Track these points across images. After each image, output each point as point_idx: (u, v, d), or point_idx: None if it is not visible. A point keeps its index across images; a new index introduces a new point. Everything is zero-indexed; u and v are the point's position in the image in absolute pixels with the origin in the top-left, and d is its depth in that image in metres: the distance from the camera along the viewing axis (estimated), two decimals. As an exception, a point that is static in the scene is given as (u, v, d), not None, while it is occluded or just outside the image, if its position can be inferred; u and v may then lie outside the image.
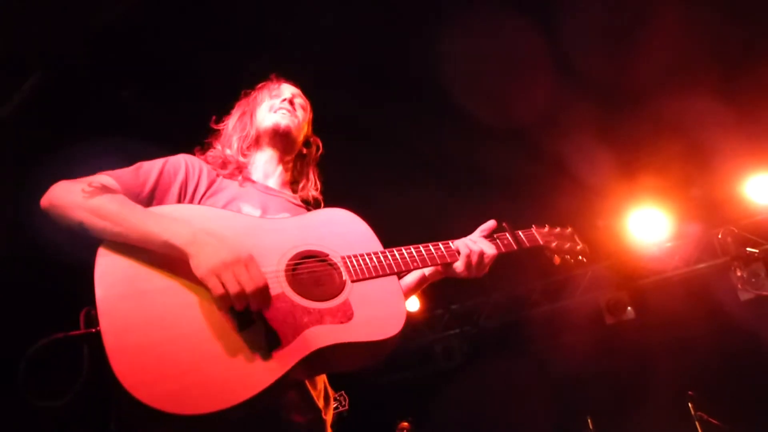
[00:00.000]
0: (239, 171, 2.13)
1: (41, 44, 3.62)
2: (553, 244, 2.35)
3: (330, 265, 1.82)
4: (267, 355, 1.57)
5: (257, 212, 1.99)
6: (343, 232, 1.95)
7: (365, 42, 3.93)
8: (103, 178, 1.79)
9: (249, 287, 1.54)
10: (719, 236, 6.51)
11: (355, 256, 1.86)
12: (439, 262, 2.06)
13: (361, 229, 2.01)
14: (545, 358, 7.05)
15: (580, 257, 2.39)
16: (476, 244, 2.12)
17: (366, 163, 5.12)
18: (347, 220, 2.02)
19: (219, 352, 1.54)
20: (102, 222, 1.63)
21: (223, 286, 1.52)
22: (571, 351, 6.80)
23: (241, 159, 2.17)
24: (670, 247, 6.93)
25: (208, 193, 2.00)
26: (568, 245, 2.38)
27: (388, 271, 1.88)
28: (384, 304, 1.81)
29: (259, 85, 2.36)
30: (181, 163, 2.02)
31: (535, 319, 7.58)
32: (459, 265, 2.08)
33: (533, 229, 2.37)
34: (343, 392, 4.45)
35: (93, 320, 1.51)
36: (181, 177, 1.97)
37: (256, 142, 2.23)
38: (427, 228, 6.47)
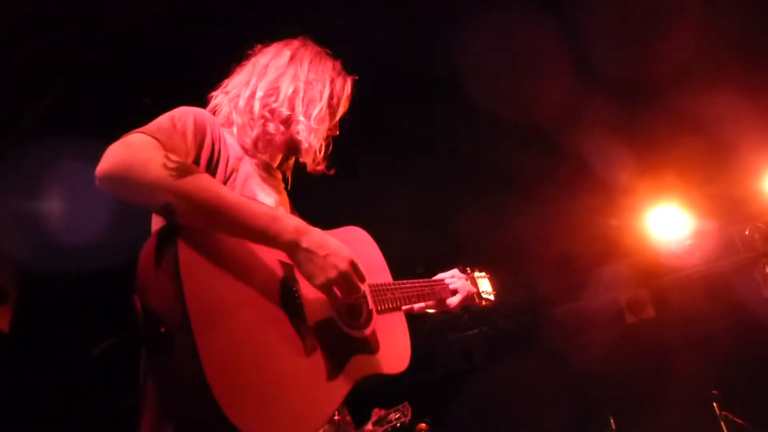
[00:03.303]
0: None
1: (65, 52, 3.68)
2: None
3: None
4: (329, 381, 1.55)
5: (269, 199, 1.83)
6: (364, 257, 1.88)
7: (383, 41, 3.95)
8: (162, 153, 1.48)
9: (356, 293, 1.60)
10: (746, 233, 6.42)
11: (377, 286, 1.87)
12: (437, 297, 2.18)
13: (377, 254, 2.03)
14: (565, 358, 7.01)
15: (483, 302, 2.51)
16: (466, 282, 2.28)
17: (383, 162, 5.14)
18: (366, 243, 2.01)
19: (297, 377, 1.47)
20: (197, 210, 1.42)
21: (338, 293, 1.56)
22: (591, 350, 6.75)
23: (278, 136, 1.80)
24: (690, 245, 6.85)
25: (226, 174, 1.73)
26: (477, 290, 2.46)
27: (400, 305, 1.95)
28: (398, 338, 1.88)
29: (335, 63, 1.95)
30: (207, 136, 1.69)
31: (554, 319, 7.53)
32: (453, 300, 2.23)
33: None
34: (406, 403, 4.53)
35: (154, 317, 1.31)
36: (206, 152, 1.68)
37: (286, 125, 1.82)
38: (444, 227, 6.50)
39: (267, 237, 1.48)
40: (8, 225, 4.42)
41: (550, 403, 6.69)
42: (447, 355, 8.28)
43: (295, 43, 1.93)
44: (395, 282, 1.97)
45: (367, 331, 1.74)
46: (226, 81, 1.91)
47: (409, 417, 4.45)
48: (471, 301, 2.25)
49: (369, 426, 4.42)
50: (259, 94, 1.79)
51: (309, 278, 1.53)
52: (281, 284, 1.54)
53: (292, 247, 1.51)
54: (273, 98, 1.80)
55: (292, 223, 1.53)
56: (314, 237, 1.54)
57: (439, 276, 2.30)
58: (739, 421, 4.95)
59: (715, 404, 5.02)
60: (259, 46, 1.94)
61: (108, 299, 5.30)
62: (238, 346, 1.36)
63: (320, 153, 1.87)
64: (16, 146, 3.97)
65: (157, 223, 1.64)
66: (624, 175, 5.71)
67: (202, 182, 1.46)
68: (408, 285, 2.03)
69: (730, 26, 4.36)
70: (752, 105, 4.89)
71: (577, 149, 5.12)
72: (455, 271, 2.31)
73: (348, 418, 4.13)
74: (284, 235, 1.50)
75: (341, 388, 1.57)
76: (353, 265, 1.57)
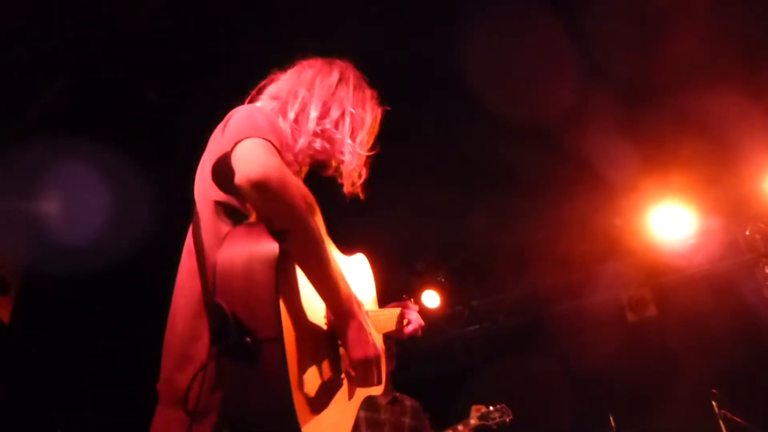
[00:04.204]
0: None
1: (68, 47, 3.68)
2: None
3: None
4: (349, 401, 1.74)
5: None
6: (364, 285, 2.06)
7: (387, 41, 3.94)
8: (297, 181, 1.60)
9: (378, 384, 1.70)
10: (747, 233, 6.40)
11: (370, 313, 1.98)
12: (401, 325, 2.28)
13: (371, 282, 2.16)
14: (566, 356, 7.01)
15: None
16: (418, 315, 2.34)
17: (385, 160, 5.13)
18: (366, 271, 2.14)
19: (334, 397, 1.62)
20: (303, 246, 1.52)
21: (366, 377, 1.66)
22: (592, 349, 6.75)
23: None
24: (693, 244, 6.84)
25: None
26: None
27: (383, 331, 2.14)
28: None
29: (372, 92, 2.01)
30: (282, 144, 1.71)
31: (555, 317, 7.53)
32: (408, 329, 2.29)
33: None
34: (504, 405, 4.75)
35: (242, 326, 1.37)
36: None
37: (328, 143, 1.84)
38: (447, 225, 6.48)
39: (336, 295, 1.59)
40: (8, 220, 4.44)
41: (551, 401, 6.70)
42: (447, 352, 8.29)
43: (341, 63, 1.99)
44: (380, 309, 2.17)
45: None
46: (266, 84, 1.95)
47: (511, 416, 4.69)
48: (417, 332, 2.33)
49: (474, 421, 4.64)
50: (314, 114, 1.82)
51: (350, 347, 1.63)
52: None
53: (350, 315, 1.62)
54: (327, 119, 1.84)
55: (354, 293, 1.67)
56: (365, 315, 1.69)
57: (394, 304, 2.38)
58: (739, 420, 4.94)
59: (714, 403, 5.01)
60: (310, 60, 1.99)
61: (107, 294, 5.35)
62: (305, 366, 1.48)
63: (360, 177, 1.93)
64: (17, 142, 3.98)
65: (212, 221, 1.63)
66: (628, 173, 5.70)
67: (317, 224, 1.56)
68: (387, 311, 2.19)
69: (735, 27, 4.34)
70: (757, 105, 4.88)
71: (580, 148, 5.11)
72: (408, 303, 2.40)
73: (426, 421, 4.50)
74: (349, 302, 1.62)
75: (355, 406, 1.78)
76: (381, 359, 1.69)
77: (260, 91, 1.94)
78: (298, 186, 1.51)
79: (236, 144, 1.53)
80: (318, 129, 1.81)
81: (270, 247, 1.43)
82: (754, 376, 5.93)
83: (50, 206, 4.57)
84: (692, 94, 4.74)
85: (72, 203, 4.60)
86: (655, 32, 4.36)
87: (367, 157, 1.95)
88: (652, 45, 4.43)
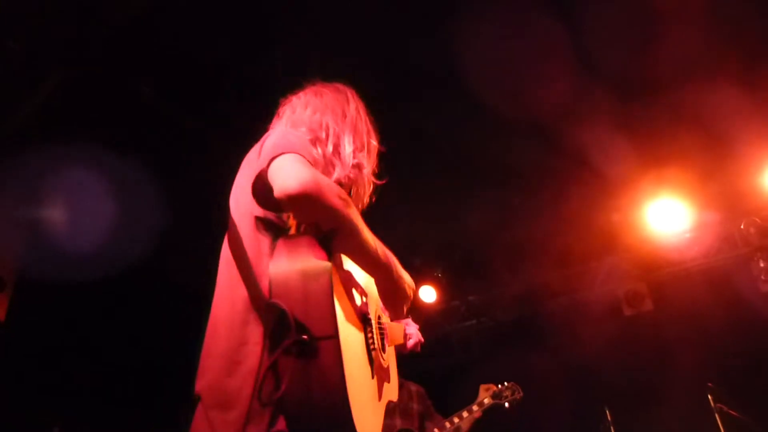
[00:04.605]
0: None
1: (61, 43, 3.65)
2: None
3: (381, 327, 2.00)
4: (379, 401, 1.84)
5: None
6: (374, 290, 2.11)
7: (382, 36, 3.92)
8: (335, 184, 1.72)
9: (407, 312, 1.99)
10: (741, 227, 6.42)
11: (386, 324, 2.08)
12: (404, 340, 2.37)
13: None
14: (563, 350, 7.03)
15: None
16: (417, 330, 2.44)
17: (382, 157, 5.13)
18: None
19: (369, 395, 1.72)
20: (349, 238, 1.68)
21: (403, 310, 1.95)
22: (588, 342, 6.77)
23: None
24: (689, 238, 6.86)
25: None
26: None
27: (395, 344, 2.23)
28: (395, 369, 2.17)
29: (368, 118, 2.09)
30: None
31: (552, 311, 7.55)
32: (411, 343, 2.37)
33: None
34: (514, 383, 4.71)
35: (300, 325, 1.47)
36: None
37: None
38: (444, 222, 6.47)
39: (384, 266, 1.82)
40: (4, 219, 4.42)
41: (547, 395, 6.71)
42: (444, 347, 8.30)
43: (349, 91, 2.09)
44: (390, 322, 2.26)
45: (387, 363, 2.01)
46: (280, 109, 2.04)
47: (521, 393, 4.66)
48: (416, 348, 2.41)
49: (487, 400, 4.60)
50: (349, 148, 1.92)
51: (403, 300, 1.92)
52: (361, 314, 1.78)
53: (398, 275, 1.88)
54: (359, 151, 1.96)
55: (390, 254, 1.88)
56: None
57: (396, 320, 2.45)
58: (734, 414, 4.97)
59: (710, 397, 5.03)
60: (319, 86, 2.08)
61: (106, 294, 5.33)
62: (351, 361, 1.55)
63: (369, 201, 2.07)
64: (12, 140, 3.96)
65: (253, 235, 1.71)
66: (624, 169, 5.70)
67: (356, 215, 1.71)
68: (395, 325, 2.26)
69: (732, 22, 4.34)
70: (753, 100, 4.88)
71: (576, 143, 5.12)
72: (408, 320, 2.47)
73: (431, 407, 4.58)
74: (395, 266, 1.86)
75: (383, 409, 1.87)
76: None
77: (278, 117, 2.03)
78: (330, 186, 1.62)
79: (271, 161, 1.63)
80: (355, 161, 1.93)
81: (321, 255, 1.56)
82: (749, 369, 5.96)
83: (46, 205, 4.55)
84: (688, 90, 4.75)
85: (67, 201, 4.58)
86: (651, 27, 4.36)
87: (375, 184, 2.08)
88: (649, 40, 4.43)
